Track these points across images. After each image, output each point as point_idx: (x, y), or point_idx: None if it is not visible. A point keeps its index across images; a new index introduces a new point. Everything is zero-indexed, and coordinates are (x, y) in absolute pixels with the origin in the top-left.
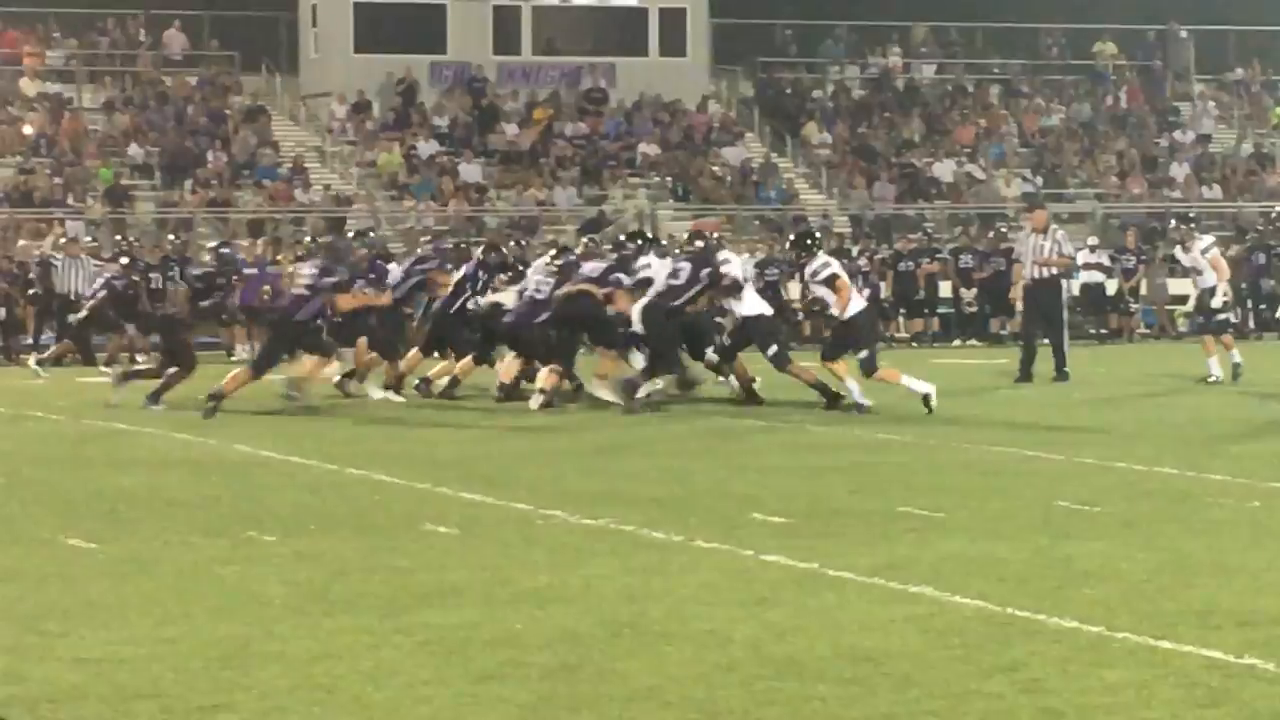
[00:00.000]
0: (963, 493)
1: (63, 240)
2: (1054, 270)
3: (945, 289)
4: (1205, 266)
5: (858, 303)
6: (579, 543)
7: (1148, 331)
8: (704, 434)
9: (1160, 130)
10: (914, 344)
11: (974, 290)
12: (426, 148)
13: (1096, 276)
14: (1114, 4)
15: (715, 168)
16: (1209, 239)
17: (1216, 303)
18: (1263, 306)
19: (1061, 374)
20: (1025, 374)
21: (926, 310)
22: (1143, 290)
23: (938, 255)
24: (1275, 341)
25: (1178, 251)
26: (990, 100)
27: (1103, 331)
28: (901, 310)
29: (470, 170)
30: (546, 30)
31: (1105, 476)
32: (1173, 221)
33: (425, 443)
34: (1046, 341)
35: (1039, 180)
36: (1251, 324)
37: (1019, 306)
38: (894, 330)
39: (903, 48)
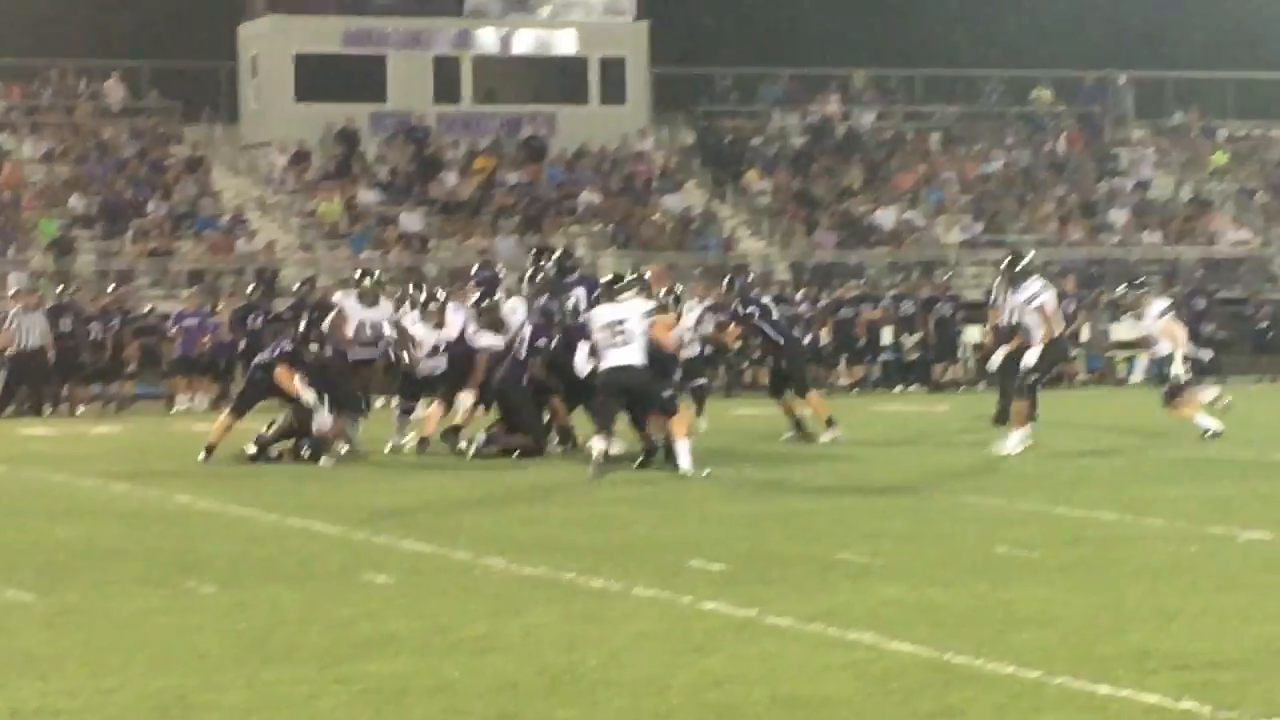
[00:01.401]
0: (902, 538)
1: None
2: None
3: (887, 335)
4: (1159, 333)
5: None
6: (517, 591)
7: (1089, 377)
8: (641, 481)
9: (1099, 176)
10: (855, 391)
11: (916, 336)
12: (367, 197)
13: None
14: (1052, 50)
15: (656, 216)
16: (1163, 303)
17: (1176, 371)
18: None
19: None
20: (1003, 415)
21: (868, 357)
22: (1084, 336)
23: (879, 302)
24: (1214, 386)
25: (1129, 319)
26: (930, 147)
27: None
28: (843, 357)
29: (411, 219)
30: (487, 80)
31: (1044, 522)
32: (1122, 288)
33: (364, 492)
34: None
35: (979, 227)
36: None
37: (997, 354)
38: (835, 377)
39: (842, 95)
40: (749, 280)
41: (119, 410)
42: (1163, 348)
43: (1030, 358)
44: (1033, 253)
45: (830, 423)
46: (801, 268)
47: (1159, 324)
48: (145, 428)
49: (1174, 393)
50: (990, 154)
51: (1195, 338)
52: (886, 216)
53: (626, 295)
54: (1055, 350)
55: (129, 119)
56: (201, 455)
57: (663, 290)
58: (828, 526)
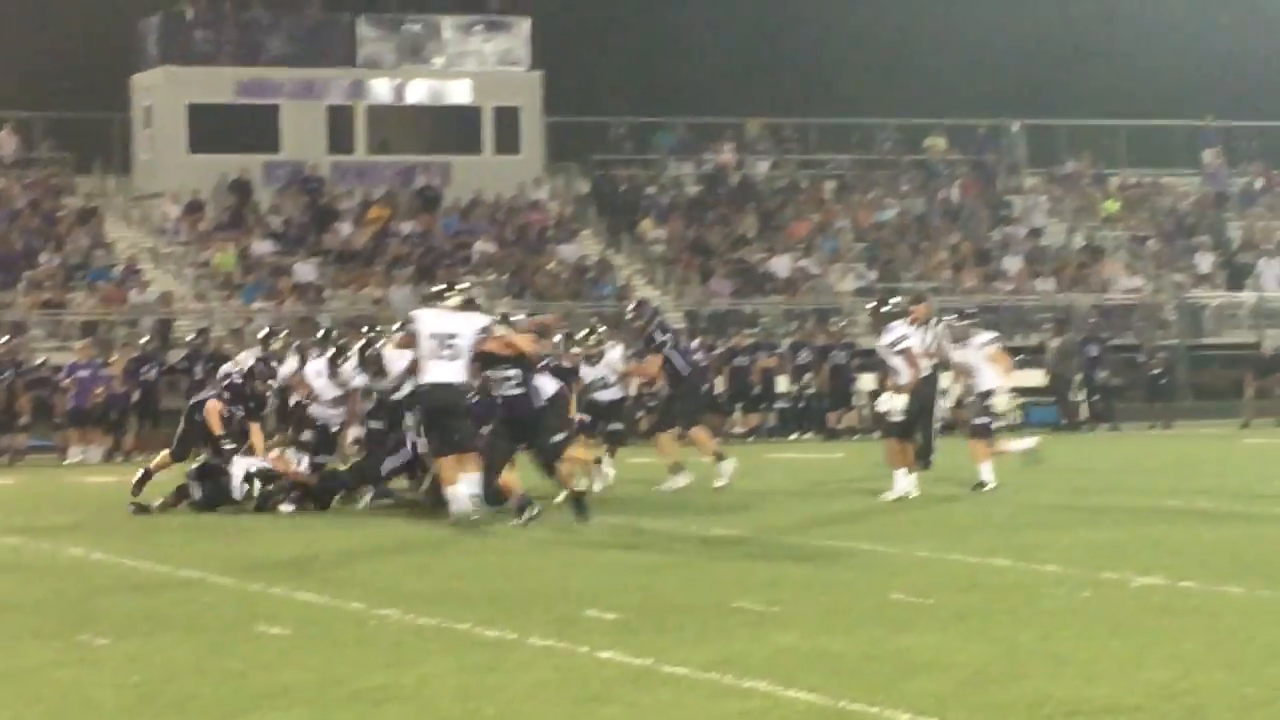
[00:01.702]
0: (797, 586)
1: None
2: (933, 361)
3: (782, 383)
4: (983, 365)
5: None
6: (413, 641)
7: None
8: (537, 530)
9: (993, 224)
10: (750, 439)
11: (810, 384)
12: (261, 247)
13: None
14: (946, 98)
15: (551, 265)
16: (989, 334)
17: (1000, 404)
18: (1096, 397)
19: (927, 462)
20: (925, 460)
21: (763, 405)
22: None
23: (774, 350)
24: (1108, 432)
25: (951, 347)
26: (824, 195)
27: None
28: (738, 405)
29: (305, 269)
30: (381, 129)
31: (939, 568)
32: (950, 316)
33: (259, 543)
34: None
35: (873, 275)
36: (1086, 414)
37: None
38: (730, 425)
39: (737, 144)
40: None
41: (11, 462)
42: (985, 380)
43: (898, 402)
44: (930, 299)
45: (720, 456)
46: (697, 316)
47: (982, 354)
48: (38, 480)
49: (983, 431)
50: (884, 202)
51: (1089, 384)
52: (781, 265)
53: (453, 304)
54: (925, 391)
55: (21, 170)
56: (129, 508)
57: (557, 337)
58: (724, 574)
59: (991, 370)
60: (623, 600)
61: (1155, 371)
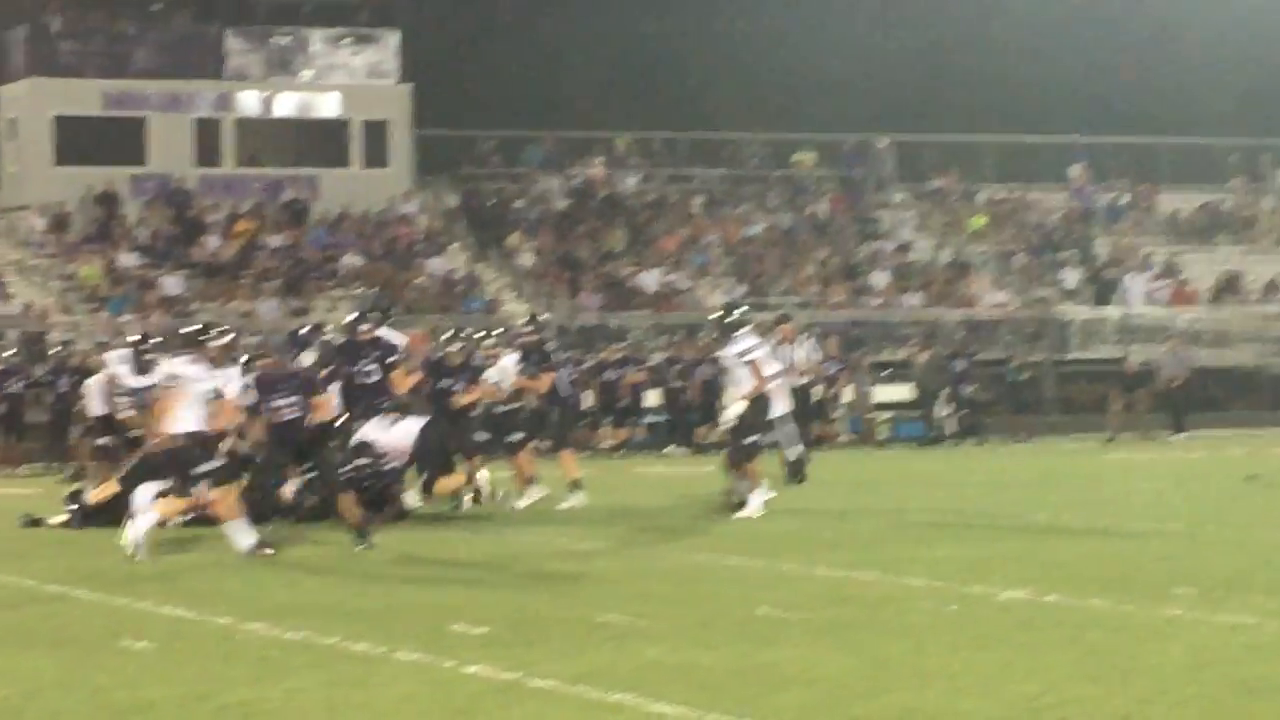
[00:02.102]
0: (665, 600)
1: None
2: (807, 377)
3: (651, 398)
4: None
5: None
6: (280, 656)
7: (850, 438)
8: (405, 545)
9: (861, 239)
10: (619, 453)
11: (681, 398)
12: (128, 260)
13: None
14: (814, 113)
15: (420, 279)
16: (751, 340)
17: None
18: (963, 412)
19: (800, 477)
20: (797, 475)
21: (631, 419)
22: (846, 397)
23: (643, 364)
24: (975, 447)
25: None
26: (693, 210)
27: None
28: (607, 419)
29: (172, 283)
30: (249, 142)
31: (806, 583)
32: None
33: (124, 558)
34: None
35: (742, 289)
36: (953, 428)
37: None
38: (599, 440)
39: (606, 158)
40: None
41: None
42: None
43: (731, 413)
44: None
45: (576, 485)
46: (566, 330)
47: (751, 359)
48: None
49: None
50: (753, 217)
51: (956, 399)
52: (650, 279)
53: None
54: (760, 406)
55: None
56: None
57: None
58: (591, 588)
59: (751, 380)
60: (490, 614)
61: (1021, 385)
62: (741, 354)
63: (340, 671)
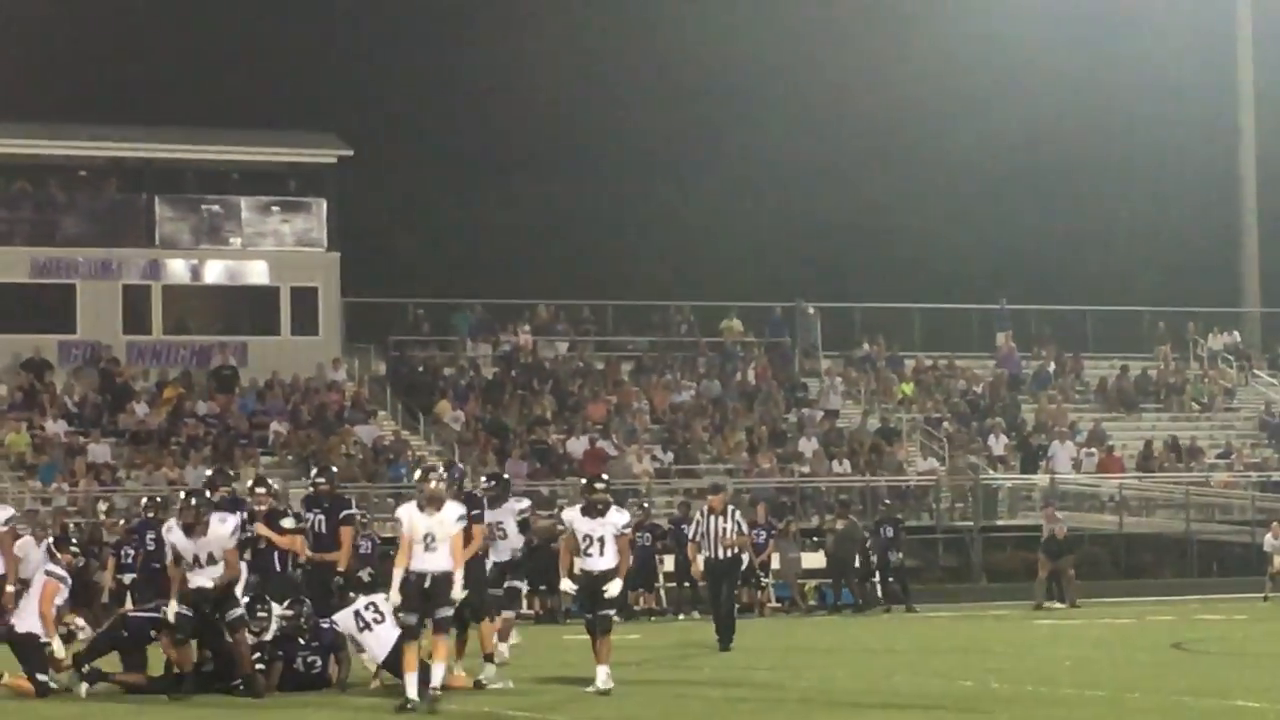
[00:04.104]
0: None
1: None
2: (736, 549)
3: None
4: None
5: None
6: None
7: (779, 605)
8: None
9: (789, 406)
10: (552, 621)
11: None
12: (55, 427)
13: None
14: (742, 281)
15: (347, 446)
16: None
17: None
18: (890, 579)
19: (728, 643)
20: (727, 642)
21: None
22: (774, 564)
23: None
24: (904, 614)
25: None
26: (621, 377)
27: (735, 606)
28: (541, 587)
29: (99, 450)
30: (177, 309)
31: None
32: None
33: None
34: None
35: (670, 456)
36: (880, 594)
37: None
38: (537, 608)
39: (533, 325)
40: None
41: None
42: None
43: (614, 586)
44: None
45: (491, 659)
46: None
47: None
48: None
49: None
50: (681, 384)
51: (884, 566)
52: (578, 446)
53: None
54: (730, 575)
55: None
56: None
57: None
58: None
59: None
60: None
61: (948, 553)
62: (624, 527)
63: None
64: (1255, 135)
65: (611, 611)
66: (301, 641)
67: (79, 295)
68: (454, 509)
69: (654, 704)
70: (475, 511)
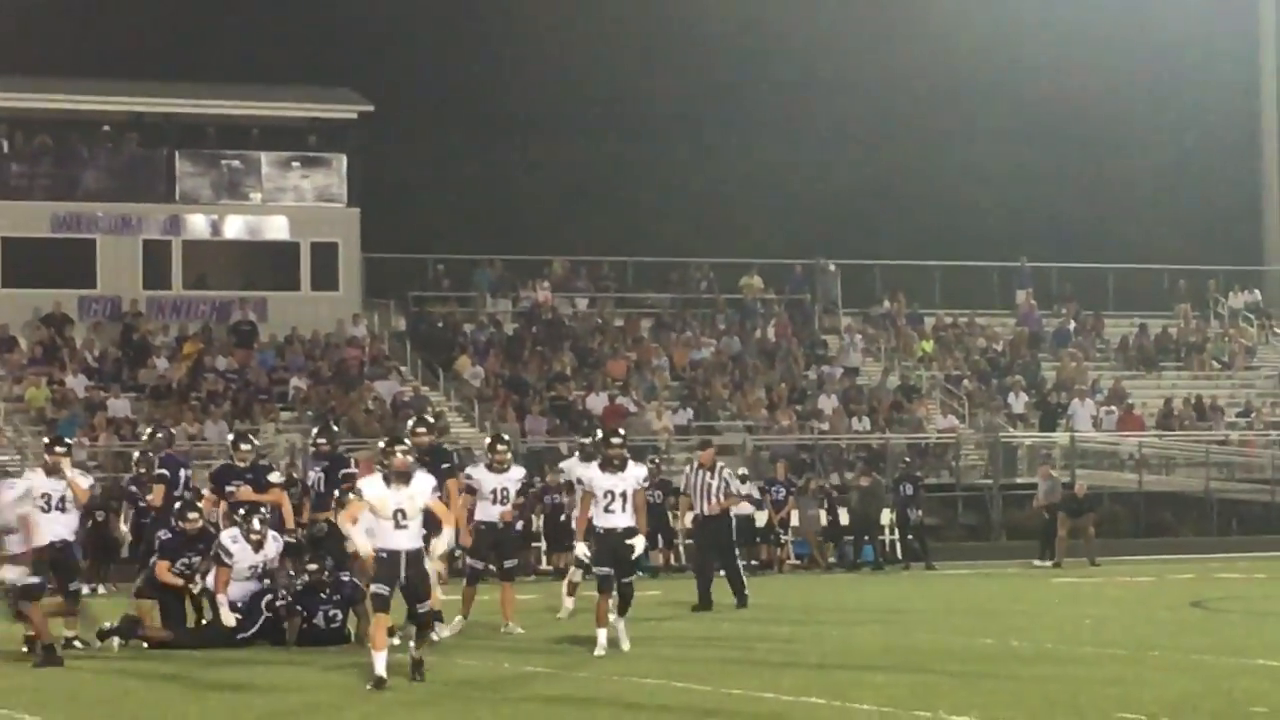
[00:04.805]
0: None
1: None
2: (725, 506)
3: None
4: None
5: None
6: None
7: (798, 562)
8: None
9: (808, 363)
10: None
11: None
12: (76, 382)
13: (746, 508)
14: (761, 238)
15: (367, 401)
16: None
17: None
18: (910, 537)
19: (742, 600)
20: (705, 602)
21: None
22: (793, 521)
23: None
24: (923, 571)
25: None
26: (641, 333)
27: (753, 563)
28: (550, 542)
29: (119, 405)
30: (197, 265)
31: (752, 706)
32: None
33: None
34: (723, 573)
35: (690, 412)
36: (899, 554)
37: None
38: (543, 562)
39: (554, 282)
40: None
41: None
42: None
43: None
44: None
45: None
46: (513, 453)
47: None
48: None
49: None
50: (701, 340)
51: (903, 524)
52: (598, 402)
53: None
54: (723, 533)
55: None
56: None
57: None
58: (540, 715)
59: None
60: None
61: (968, 510)
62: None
63: None
64: (1277, 93)
65: (632, 579)
66: (323, 595)
67: (99, 250)
68: (424, 480)
69: (673, 662)
70: (446, 465)
